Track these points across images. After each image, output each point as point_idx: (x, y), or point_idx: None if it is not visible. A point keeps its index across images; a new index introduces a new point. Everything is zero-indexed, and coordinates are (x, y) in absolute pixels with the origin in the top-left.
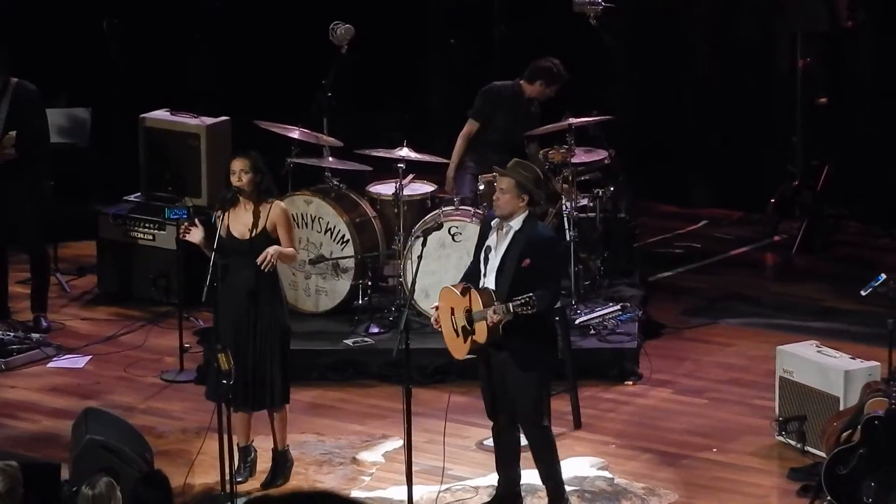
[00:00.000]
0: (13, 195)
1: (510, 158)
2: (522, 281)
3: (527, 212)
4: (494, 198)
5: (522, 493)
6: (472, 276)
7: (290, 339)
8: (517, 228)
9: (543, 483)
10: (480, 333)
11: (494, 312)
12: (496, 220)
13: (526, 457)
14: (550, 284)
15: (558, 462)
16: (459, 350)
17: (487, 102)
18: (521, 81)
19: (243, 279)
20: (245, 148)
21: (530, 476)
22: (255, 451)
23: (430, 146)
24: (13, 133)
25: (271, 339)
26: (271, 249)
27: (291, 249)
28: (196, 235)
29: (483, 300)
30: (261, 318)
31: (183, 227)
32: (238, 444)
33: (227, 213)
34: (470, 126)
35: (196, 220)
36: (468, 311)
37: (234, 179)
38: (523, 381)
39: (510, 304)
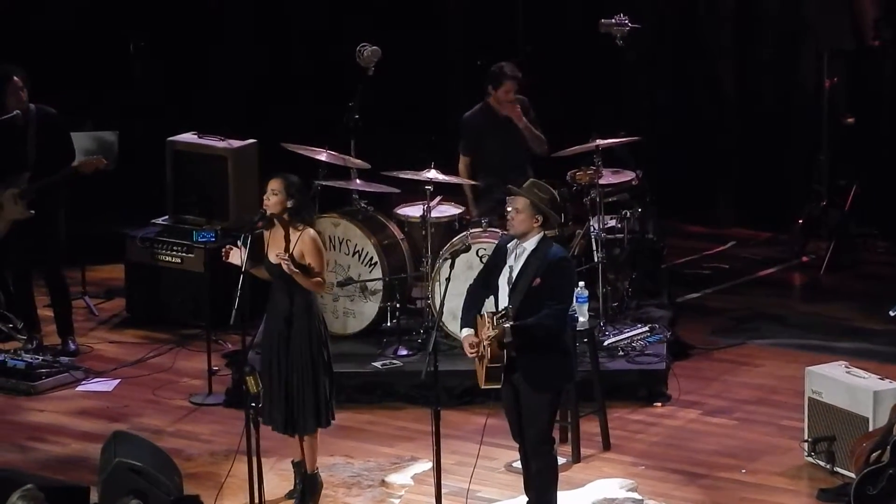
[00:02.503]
0: (33, 222)
1: (519, 174)
2: (533, 300)
3: (542, 233)
4: (509, 217)
5: None
6: (474, 298)
7: (328, 362)
8: (531, 249)
9: None
10: (487, 357)
11: (487, 330)
12: (512, 241)
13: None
14: (555, 304)
15: (554, 494)
16: (479, 377)
17: (467, 134)
18: (487, 100)
19: (278, 302)
20: (286, 172)
21: (563, 498)
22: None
23: (457, 168)
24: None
25: (302, 364)
26: (283, 264)
27: (317, 279)
28: (236, 257)
29: (489, 322)
30: (292, 342)
31: (224, 248)
32: (293, 461)
33: (269, 234)
34: (462, 161)
35: (237, 242)
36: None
37: (264, 199)
38: (534, 402)
39: (494, 318)
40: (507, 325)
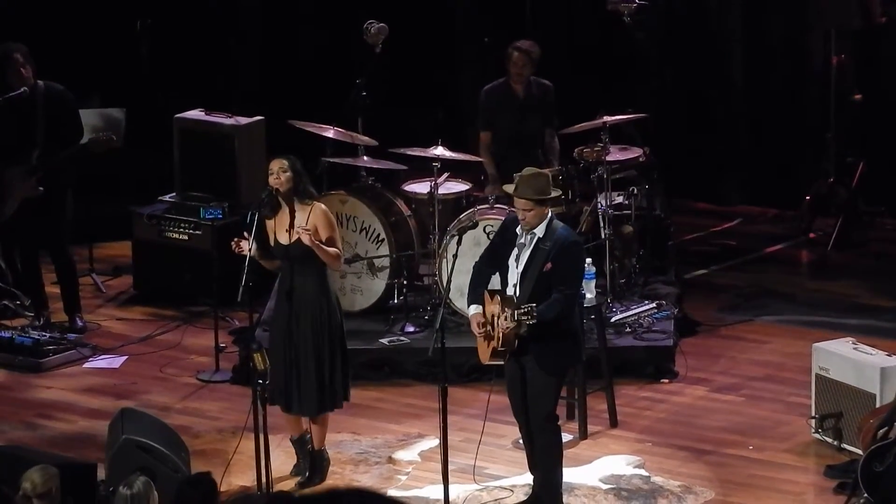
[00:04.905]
0: (41, 200)
1: (530, 152)
2: (544, 285)
3: (548, 216)
4: (520, 217)
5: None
6: (481, 275)
7: (343, 343)
8: (541, 235)
9: (538, 491)
10: (497, 339)
11: (504, 320)
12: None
13: (564, 455)
14: (565, 290)
15: (560, 470)
16: (483, 354)
17: (484, 108)
18: (508, 78)
19: (288, 283)
20: (283, 151)
21: (570, 475)
22: (311, 440)
23: (465, 144)
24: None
25: (313, 345)
26: (304, 235)
27: (334, 249)
28: (247, 247)
29: (504, 307)
30: (303, 322)
31: (233, 243)
32: (291, 438)
33: (274, 220)
34: (483, 137)
35: (245, 233)
36: (492, 317)
37: (271, 179)
38: (541, 382)
39: (515, 312)
40: (530, 322)
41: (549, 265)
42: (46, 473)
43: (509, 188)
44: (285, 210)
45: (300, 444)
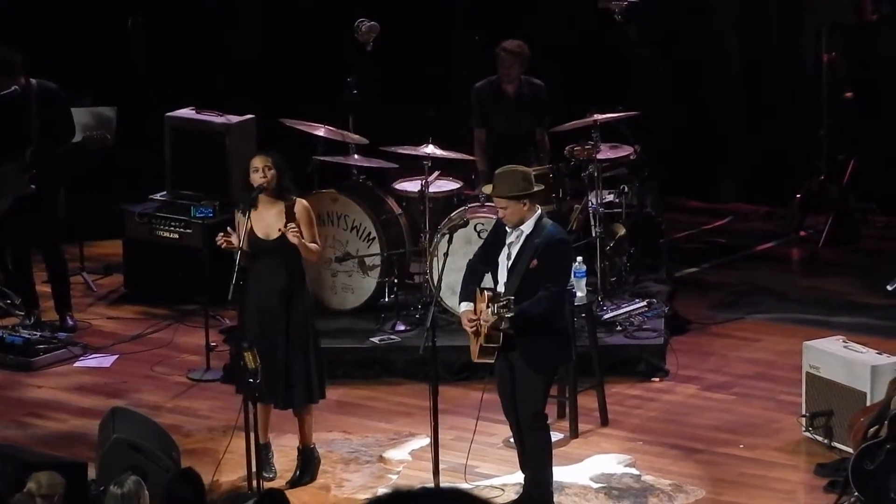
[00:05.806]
0: (33, 198)
1: (523, 150)
2: (530, 282)
3: (538, 212)
4: (500, 215)
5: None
6: (473, 273)
7: (318, 336)
8: (528, 232)
9: (529, 489)
10: (482, 335)
11: (487, 314)
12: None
13: (554, 454)
14: (551, 286)
15: (550, 469)
16: (472, 352)
17: (476, 106)
18: (499, 76)
19: (271, 279)
20: (264, 147)
21: (561, 473)
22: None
23: (456, 143)
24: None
25: (299, 339)
26: (290, 234)
27: (315, 245)
28: (236, 242)
29: (488, 302)
30: (288, 317)
31: (220, 238)
32: (262, 443)
33: (249, 216)
34: (477, 134)
35: (228, 228)
36: (479, 313)
37: (257, 177)
38: (529, 380)
39: (495, 305)
40: (508, 315)
41: (535, 262)
42: (54, 479)
43: (488, 189)
44: (265, 205)
45: (265, 449)
